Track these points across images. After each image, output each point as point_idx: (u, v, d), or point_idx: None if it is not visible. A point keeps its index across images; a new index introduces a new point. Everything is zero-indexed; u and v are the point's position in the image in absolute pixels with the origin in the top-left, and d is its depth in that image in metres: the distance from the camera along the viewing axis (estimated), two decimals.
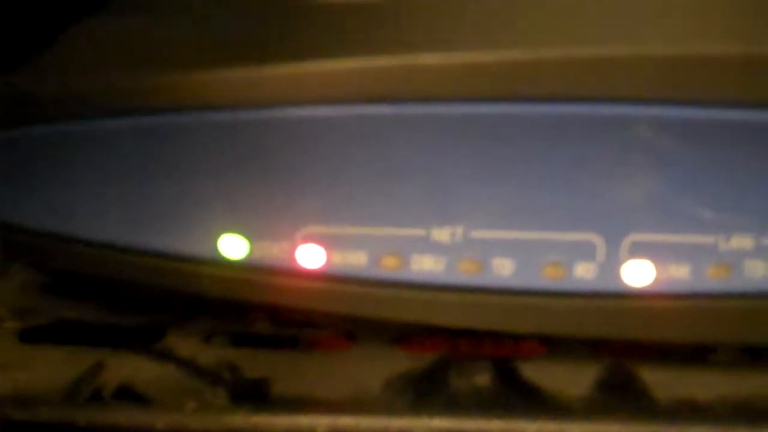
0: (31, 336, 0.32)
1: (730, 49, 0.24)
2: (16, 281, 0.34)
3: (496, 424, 0.26)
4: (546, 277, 0.27)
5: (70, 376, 0.30)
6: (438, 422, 0.26)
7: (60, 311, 0.33)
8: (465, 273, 0.27)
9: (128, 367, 0.30)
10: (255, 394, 0.28)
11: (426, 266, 0.27)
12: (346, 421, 0.27)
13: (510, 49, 0.26)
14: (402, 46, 0.27)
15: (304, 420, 0.27)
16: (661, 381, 0.27)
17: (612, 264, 0.26)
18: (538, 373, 0.28)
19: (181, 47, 0.30)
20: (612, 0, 0.29)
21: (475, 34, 0.27)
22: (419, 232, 0.27)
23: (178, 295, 0.30)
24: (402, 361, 0.29)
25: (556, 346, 0.29)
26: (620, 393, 0.27)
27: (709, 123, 0.25)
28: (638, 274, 0.26)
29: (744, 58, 0.24)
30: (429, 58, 0.26)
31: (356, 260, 0.28)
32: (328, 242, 0.28)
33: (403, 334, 0.30)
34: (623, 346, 0.29)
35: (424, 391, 0.28)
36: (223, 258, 0.28)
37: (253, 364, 0.30)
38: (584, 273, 0.26)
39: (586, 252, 0.26)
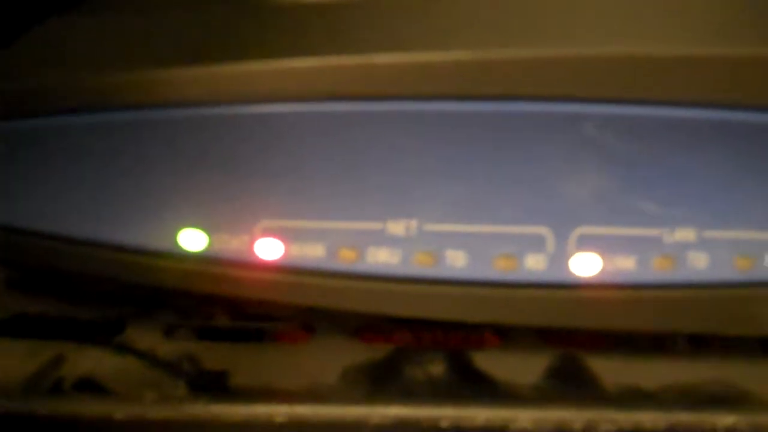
0: None
1: (673, 50, 0.25)
2: None
3: (448, 411, 0.27)
4: (497, 268, 0.27)
5: (31, 368, 0.30)
6: (393, 411, 0.27)
7: (21, 306, 0.33)
8: (419, 265, 0.28)
9: (89, 360, 0.30)
10: (214, 386, 0.29)
11: (382, 258, 0.28)
12: (303, 410, 0.27)
13: (461, 50, 0.27)
14: (358, 46, 0.28)
15: (261, 409, 0.27)
16: (610, 369, 0.28)
17: (561, 256, 0.27)
18: (491, 363, 0.29)
19: (141, 46, 0.31)
20: (565, 2, 0.30)
21: (429, 35, 0.28)
22: (375, 225, 0.28)
23: (140, 289, 0.30)
24: (359, 353, 0.30)
25: (510, 338, 0.30)
26: (570, 381, 0.28)
27: (653, 120, 0.26)
28: (586, 265, 0.27)
29: (685, 59, 0.25)
30: (384, 58, 0.27)
31: (314, 253, 0.28)
32: (286, 235, 0.28)
33: (360, 327, 0.31)
34: (574, 336, 0.29)
35: (380, 381, 0.29)
36: (182, 251, 0.29)
37: (213, 356, 0.30)
38: (534, 264, 0.27)
39: (536, 244, 0.27)
